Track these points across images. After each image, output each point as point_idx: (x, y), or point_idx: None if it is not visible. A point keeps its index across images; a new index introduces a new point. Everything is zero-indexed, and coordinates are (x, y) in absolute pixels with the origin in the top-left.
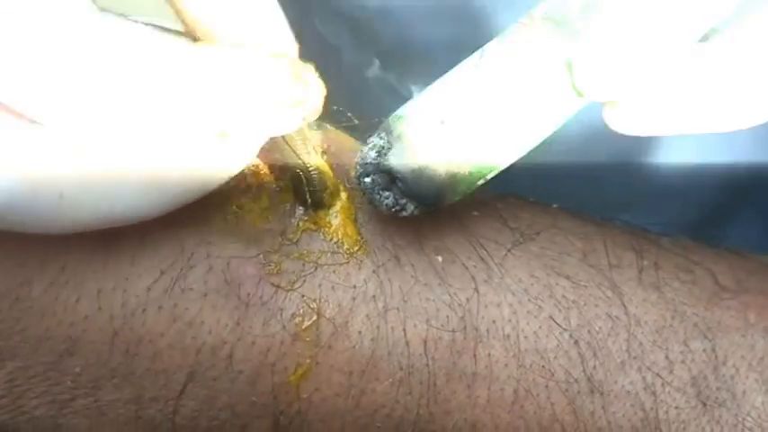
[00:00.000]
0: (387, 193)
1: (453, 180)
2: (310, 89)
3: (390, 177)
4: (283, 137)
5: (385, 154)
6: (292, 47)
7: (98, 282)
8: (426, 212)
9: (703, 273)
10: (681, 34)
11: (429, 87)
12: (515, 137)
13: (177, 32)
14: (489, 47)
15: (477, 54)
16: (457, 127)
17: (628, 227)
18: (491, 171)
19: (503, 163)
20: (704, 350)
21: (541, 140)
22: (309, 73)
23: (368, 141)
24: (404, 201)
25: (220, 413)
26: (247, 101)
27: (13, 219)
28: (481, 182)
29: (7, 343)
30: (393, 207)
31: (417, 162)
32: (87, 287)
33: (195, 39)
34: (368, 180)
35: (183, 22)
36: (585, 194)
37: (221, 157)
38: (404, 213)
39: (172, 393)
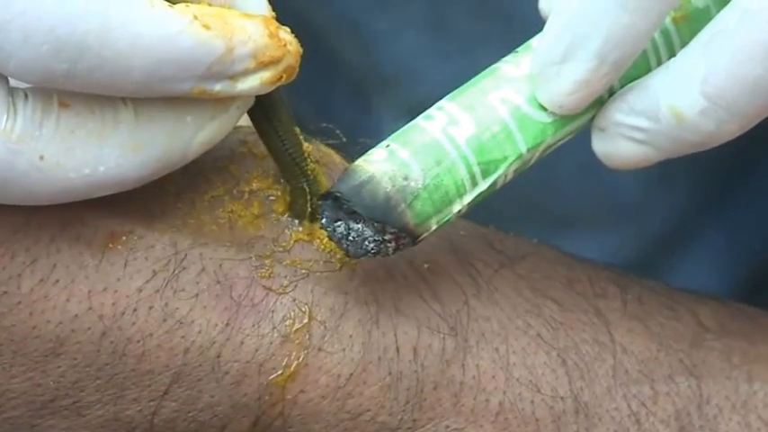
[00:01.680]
0: (338, 223)
1: (403, 192)
2: (286, 48)
3: (339, 205)
4: (286, 149)
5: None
6: (266, 11)
7: (89, 283)
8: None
9: (686, 313)
10: None
11: None
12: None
13: None
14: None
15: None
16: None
17: (608, 264)
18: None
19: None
20: (689, 386)
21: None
22: (285, 33)
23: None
24: (357, 226)
25: (200, 414)
26: (222, 58)
27: None
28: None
29: None
30: (348, 236)
31: (359, 178)
32: (78, 287)
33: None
34: (323, 221)
35: None
36: (546, 204)
37: (200, 118)
38: (367, 246)
39: (154, 394)
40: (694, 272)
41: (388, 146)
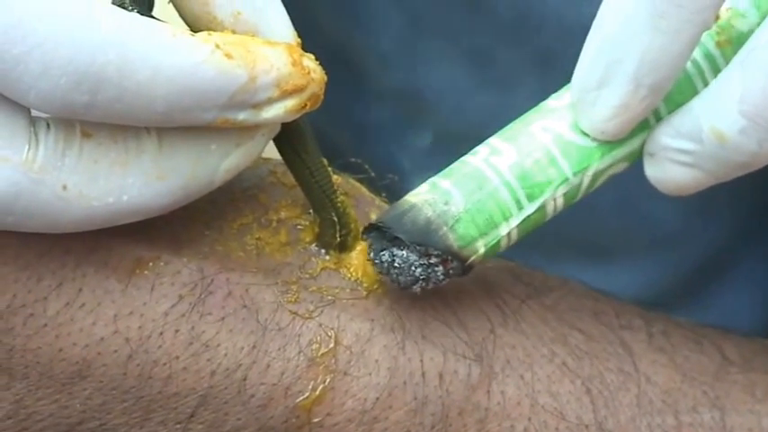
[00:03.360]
0: (383, 252)
1: (444, 216)
2: (310, 76)
3: (382, 235)
4: (314, 178)
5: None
6: (292, 37)
7: (115, 306)
8: (441, 266)
9: (711, 346)
10: None
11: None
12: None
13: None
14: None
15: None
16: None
17: (634, 301)
18: (504, 219)
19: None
20: (712, 418)
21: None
22: (308, 60)
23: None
24: (402, 252)
25: None
26: (245, 87)
27: (15, 216)
28: (504, 230)
29: (19, 361)
30: (393, 263)
31: (401, 208)
32: (104, 311)
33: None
34: (371, 254)
35: (184, 18)
36: (585, 235)
37: (225, 146)
38: (414, 271)
39: (181, 417)
40: (733, 302)
41: (431, 180)
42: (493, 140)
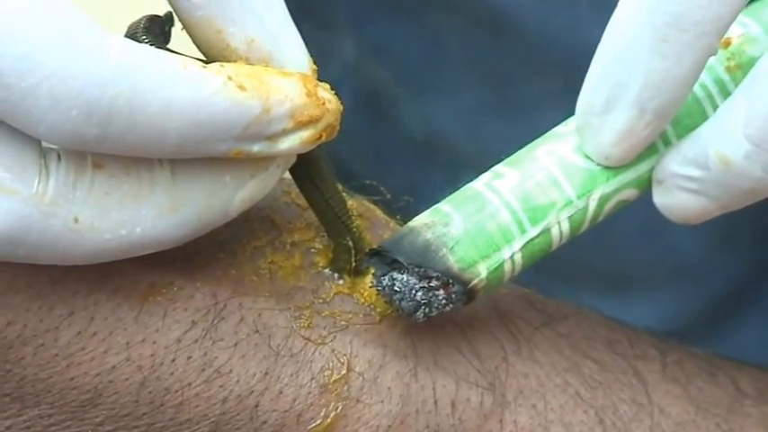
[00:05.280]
0: (384, 277)
1: (443, 238)
2: (325, 106)
3: (383, 260)
4: (330, 206)
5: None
6: (307, 64)
7: (127, 334)
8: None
9: (725, 378)
10: None
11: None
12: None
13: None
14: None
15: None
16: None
17: (649, 330)
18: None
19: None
20: None
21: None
22: (323, 90)
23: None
24: (402, 276)
25: None
26: (258, 119)
27: (27, 248)
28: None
29: (30, 390)
30: (394, 287)
31: (401, 232)
32: (116, 339)
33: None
34: (373, 280)
35: (198, 46)
36: (604, 264)
37: (239, 177)
38: (415, 295)
39: None
40: (754, 334)
41: (434, 207)
42: (497, 166)
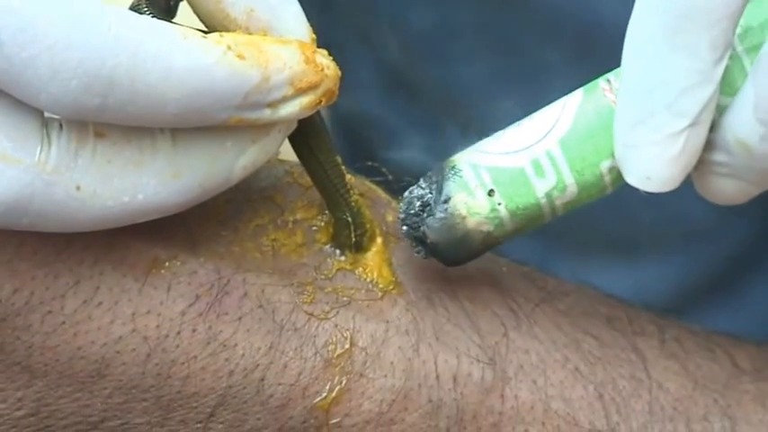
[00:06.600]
0: (419, 248)
1: (486, 247)
2: (324, 72)
3: (425, 235)
4: (328, 176)
5: (428, 214)
6: (306, 33)
7: (132, 305)
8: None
9: (723, 354)
10: None
11: (486, 145)
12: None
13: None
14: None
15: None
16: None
17: (648, 307)
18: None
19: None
20: (723, 427)
21: None
22: (322, 56)
23: (419, 183)
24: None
25: None
26: (258, 87)
27: (30, 217)
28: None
29: (39, 359)
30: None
31: (456, 236)
32: (121, 309)
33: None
34: (405, 229)
35: (198, 16)
36: (615, 228)
37: (241, 143)
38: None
39: (201, 416)
40: (762, 300)
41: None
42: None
